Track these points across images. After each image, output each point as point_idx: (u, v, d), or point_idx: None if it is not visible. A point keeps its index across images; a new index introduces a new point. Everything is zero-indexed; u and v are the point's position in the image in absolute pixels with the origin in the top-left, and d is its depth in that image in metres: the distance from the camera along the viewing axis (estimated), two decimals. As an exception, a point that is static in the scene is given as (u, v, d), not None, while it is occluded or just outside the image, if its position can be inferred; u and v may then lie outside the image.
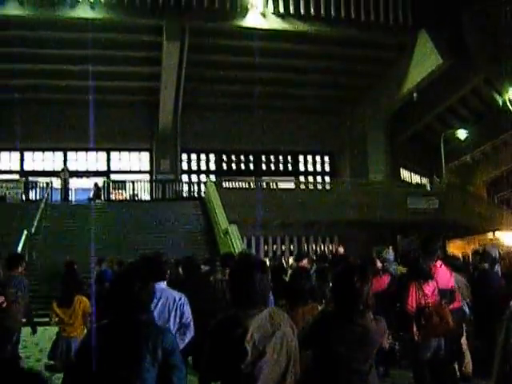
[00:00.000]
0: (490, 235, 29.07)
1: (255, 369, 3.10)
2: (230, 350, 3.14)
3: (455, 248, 26.03)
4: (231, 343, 3.13)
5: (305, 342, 3.63)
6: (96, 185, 26.47)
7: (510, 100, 28.93)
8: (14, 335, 7.42)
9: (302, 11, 24.71)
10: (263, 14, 24.35)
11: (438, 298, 6.61)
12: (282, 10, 24.53)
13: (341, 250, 18.23)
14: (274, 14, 24.49)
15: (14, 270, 8.21)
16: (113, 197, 27.00)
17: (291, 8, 24.65)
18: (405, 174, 35.65)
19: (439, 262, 7.17)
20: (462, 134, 30.22)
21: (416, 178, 36.62)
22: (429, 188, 30.28)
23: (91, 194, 26.09)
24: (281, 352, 3.19)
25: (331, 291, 3.98)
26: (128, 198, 27.06)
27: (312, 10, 24.79)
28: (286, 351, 3.22)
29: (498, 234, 28.69)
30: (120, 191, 27.59)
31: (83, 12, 23.14)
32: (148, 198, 27.61)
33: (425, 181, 36.01)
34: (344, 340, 3.59)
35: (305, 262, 12.30)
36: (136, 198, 27.03)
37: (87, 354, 3.12)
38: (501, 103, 30.01)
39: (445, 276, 7.12)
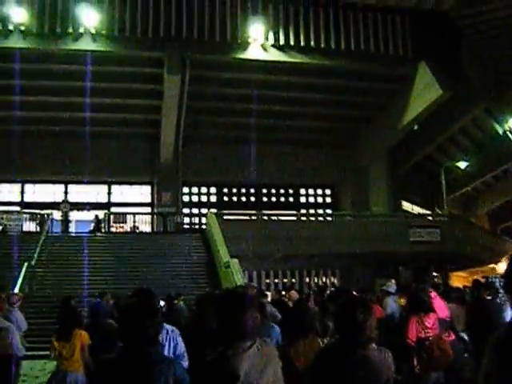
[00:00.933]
0: (492, 266, 29.07)
1: None
2: None
3: (457, 280, 26.03)
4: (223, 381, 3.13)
5: (311, 377, 3.69)
6: (97, 217, 26.58)
7: (510, 129, 29.22)
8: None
9: (303, 43, 24.94)
10: (264, 47, 24.60)
11: (439, 330, 6.66)
12: (282, 42, 24.78)
13: (335, 281, 18.38)
14: (274, 46, 24.73)
15: None
16: (113, 229, 27.08)
17: (291, 40, 24.88)
18: (406, 206, 35.71)
19: (433, 293, 7.29)
20: (462, 164, 30.42)
21: (417, 209, 36.66)
22: (430, 219, 30.30)
23: (91, 226, 26.21)
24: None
25: (334, 324, 4.00)
26: (129, 230, 27.13)
27: (312, 42, 25.02)
28: (277, 380, 3.26)
29: (500, 265, 28.69)
30: (120, 224, 27.67)
31: (85, 44, 23.41)
32: (149, 230, 27.68)
33: (426, 212, 36.08)
34: (347, 373, 3.56)
35: (293, 292, 12.46)
36: (137, 231, 27.11)
37: None
38: (501, 133, 30.29)
39: (440, 305, 7.25)
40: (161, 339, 5.39)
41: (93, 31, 23.34)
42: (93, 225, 26.23)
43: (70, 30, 23.36)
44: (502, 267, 28.06)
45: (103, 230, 26.05)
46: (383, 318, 10.20)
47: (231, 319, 3.24)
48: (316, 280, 27.39)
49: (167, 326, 5.50)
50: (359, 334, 3.63)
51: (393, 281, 16.91)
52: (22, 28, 22.87)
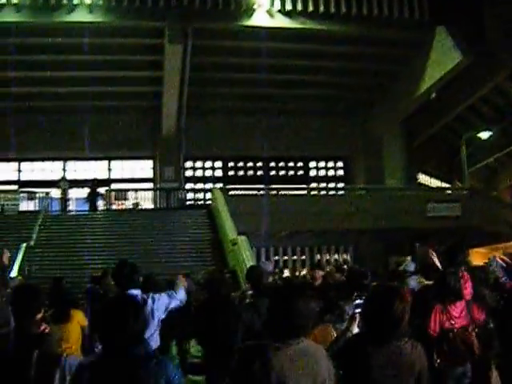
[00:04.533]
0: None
1: None
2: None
3: (478, 257, 25.99)
4: (253, 377, 3.13)
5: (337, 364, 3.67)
6: (94, 181, 26.13)
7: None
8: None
9: (311, 8, 24.69)
10: (269, 13, 24.50)
11: (468, 319, 6.37)
12: (289, 7, 24.58)
13: (347, 258, 18.34)
14: (280, 12, 24.60)
15: None
16: (114, 206, 27.26)
17: (299, 5, 24.64)
18: (423, 179, 35.58)
19: (466, 276, 6.84)
20: (484, 134, 30.21)
21: (435, 183, 36.54)
22: (449, 193, 30.25)
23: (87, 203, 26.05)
24: None
25: (364, 312, 3.97)
26: (130, 207, 27.28)
27: (321, 7, 24.76)
28: None
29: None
30: (122, 201, 27.80)
31: (81, 16, 23.40)
32: (151, 206, 27.83)
33: (445, 185, 35.97)
34: (380, 365, 3.60)
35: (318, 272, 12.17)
36: (139, 207, 27.24)
37: None
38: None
39: (469, 290, 6.87)
40: (149, 309, 5.64)
41: (88, 1, 23.34)
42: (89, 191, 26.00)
43: (65, 2, 23.31)
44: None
45: (103, 208, 26.10)
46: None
47: (283, 314, 3.25)
48: (328, 257, 27.48)
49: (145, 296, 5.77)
50: (396, 327, 3.64)
51: (408, 258, 16.95)
52: (15, 1, 22.86)
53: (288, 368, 3.13)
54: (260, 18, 24.54)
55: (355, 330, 4.48)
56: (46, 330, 4.46)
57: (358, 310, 4.42)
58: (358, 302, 4.52)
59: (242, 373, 3.20)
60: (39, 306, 4.30)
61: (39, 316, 4.29)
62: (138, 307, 3.38)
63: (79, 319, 7.72)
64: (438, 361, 6.10)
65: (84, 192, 26.27)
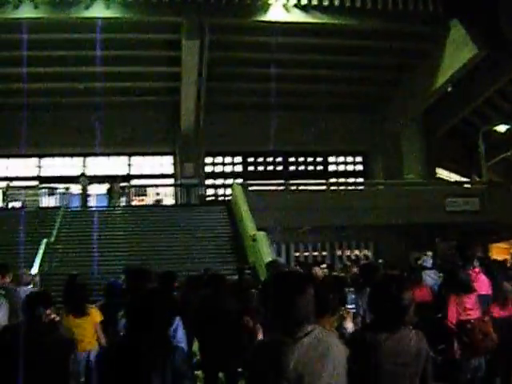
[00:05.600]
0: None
1: None
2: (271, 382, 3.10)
3: (498, 252, 25.67)
4: (269, 376, 3.09)
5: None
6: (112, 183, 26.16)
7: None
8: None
9: (326, 3, 24.52)
10: (285, 8, 24.32)
11: (480, 311, 6.40)
12: (305, 2, 24.42)
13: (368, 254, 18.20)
14: (296, 6, 24.41)
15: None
16: (134, 202, 27.16)
17: (315, 0, 24.51)
18: (442, 173, 35.30)
19: (477, 269, 6.95)
20: (502, 128, 29.87)
21: (454, 177, 36.23)
22: (468, 187, 29.89)
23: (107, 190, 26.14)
24: (332, 379, 3.14)
25: (372, 301, 3.91)
26: (150, 203, 27.17)
27: (336, 2, 24.61)
28: (339, 378, 3.18)
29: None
30: (141, 197, 27.75)
31: (98, 12, 23.36)
32: (171, 202, 27.70)
33: (464, 179, 35.61)
34: (392, 354, 3.58)
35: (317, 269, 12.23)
36: (159, 204, 27.13)
37: (100, 375, 3.26)
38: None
39: (484, 283, 6.95)
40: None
41: (105, -3, 23.26)
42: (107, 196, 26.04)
43: (82, -3, 23.27)
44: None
45: (123, 204, 26.01)
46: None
47: (289, 302, 3.17)
48: (348, 253, 27.29)
49: None
50: (404, 314, 3.63)
51: (429, 253, 16.68)
52: (33, -3, 22.81)
53: (303, 360, 3.09)
54: (276, 13, 24.37)
55: (350, 326, 4.67)
56: (57, 319, 4.59)
57: (352, 306, 4.77)
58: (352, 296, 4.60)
59: (259, 371, 3.18)
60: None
61: (49, 311, 4.53)
62: (169, 297, 3.61)
63: (94, 315, 7.59)
64: (459, 352, 6.21)
65: (103, 188, 26.26)
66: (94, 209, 25.23)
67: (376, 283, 4.04)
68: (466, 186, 30.98)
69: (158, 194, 27.63)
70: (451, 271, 7.01)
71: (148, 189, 28.38)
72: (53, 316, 4.66)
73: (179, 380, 3.23)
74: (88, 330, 7.43)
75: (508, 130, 29.90)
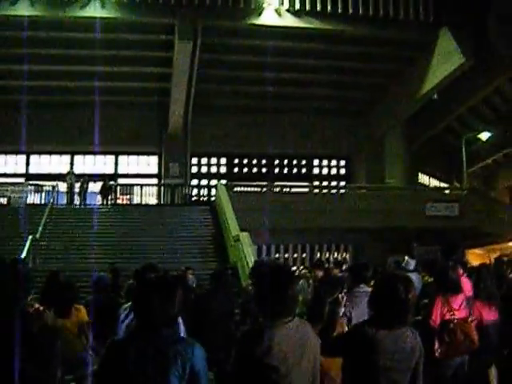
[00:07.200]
0: (512, 244, 28.75)
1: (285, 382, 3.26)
2: (257, 365, 3.26)
3: (474, 257, 25.79)
4: (257, 357, 3.25)
5: (343, 350, 3.81)
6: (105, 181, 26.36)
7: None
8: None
9: (319, 8, 24.52)
10: (278, 12, 24.34)
11: (467, 311, 6.43)
12: (297, 7, 24.44)
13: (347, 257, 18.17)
14: (289, 11, 24.45)
15: None
16: (119, 201, 27.15)
17: (307, 5, 24.49)
18: (423, 179, 35.47)
19: (461, 271, 7.03)
20: (484, 135, 30.06)
21: (435, 183, 36.41)
22: (448, 193, 30.06)
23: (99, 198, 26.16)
24: (309, 364, 3.38)
25: (375, 298, 3.91)
26: (135, 202, 27.15)
27: (329, 7, 24.60)
28: (314, 364, 3.42)
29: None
30: (127, 196, 27.71)
31: (94, 11, 23.25)
32: (155, 202, 27.68)
33: (444, 185, 35.82)
34: (390, 351, 3.63)
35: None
36: (143, 203, 27.11)
37: (110, 372, 3.17)
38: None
39: (467, 284, 7.02)
40: None
41: (101, -3, 23.23)
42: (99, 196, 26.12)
43: (79, -4, 23.23)
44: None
45: (109, 202, 25.98)
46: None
47: (279, 293, 3.38)
48: (328, 255, 27.32)
49: None
50: (407, 313, 3.71)
51: (406, 257, 16.78)
52: (29, -6, 22.75)
53: (287, 344, 3.30)
54: (269, 17, 24.40)
55: (341, 310, 4.78)
56: (41, 309, 4.57)
57: (342, 295, 4.74)
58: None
59: (245, 355, 3.31)
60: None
61: (30, 297, 4.70)
62: (175, 290, 3.37)
63: (81, 314, 7.25)
64: (439, 350, 6.18)
65: (90, 186, 26.26)
66: (79, 206, 25.27)
67: (383, 283, 4.00)
68: (446, 191, 31.15)
69: (141, 193, 27.49)
70: (441, 271, 6.95)
71: (134, 188, 28.24)
72: (37, 306, 4.62)
73: (198, 380, 3.19)
74: (71, 331, 7.04)
75: (490, 137, 30.12)
